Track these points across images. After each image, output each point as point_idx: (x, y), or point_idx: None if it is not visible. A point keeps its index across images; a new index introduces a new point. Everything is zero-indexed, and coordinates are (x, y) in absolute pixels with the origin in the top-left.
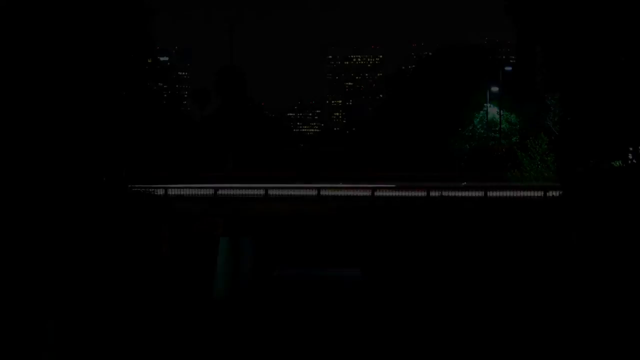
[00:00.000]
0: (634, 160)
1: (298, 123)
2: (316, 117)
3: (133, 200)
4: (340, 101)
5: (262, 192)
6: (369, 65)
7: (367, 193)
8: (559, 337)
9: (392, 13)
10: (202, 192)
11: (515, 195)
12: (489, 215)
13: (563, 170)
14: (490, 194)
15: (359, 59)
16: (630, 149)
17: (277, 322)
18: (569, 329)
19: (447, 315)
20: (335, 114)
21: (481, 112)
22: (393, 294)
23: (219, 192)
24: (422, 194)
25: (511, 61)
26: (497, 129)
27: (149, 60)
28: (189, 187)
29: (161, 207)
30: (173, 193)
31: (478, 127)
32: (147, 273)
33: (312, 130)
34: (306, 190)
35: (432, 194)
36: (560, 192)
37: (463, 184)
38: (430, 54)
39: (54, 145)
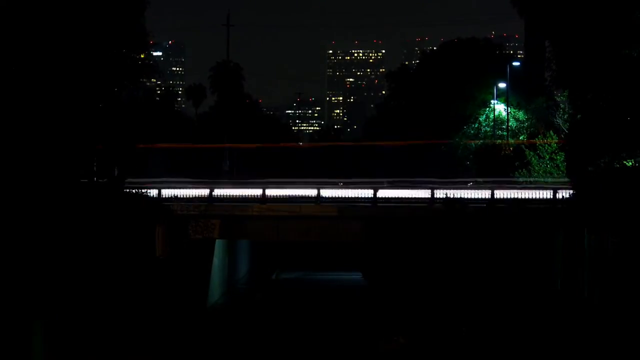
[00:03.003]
0: None
1: (297, 121)
2: (316, 115)
3: (125, 200)
4: (340, 98)
5: (259, 192)
6: (370, 61)
7: (370, 193)
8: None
9: (395, 6)
10: (197, 192)
11: (523, 195)
12: (495, 216)
13: (573, 170)
14: (497, 193)
15: (361, 54)
16: None
17: (275, 328)
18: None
19: (456, 325)
20: (335, 111)
21: (488, 109)
22: (397, 300)
23: (215, 192)
24: (427, 193)
25: (519, 56)
26: (504, 126)
27: (142, 56)
28: (184, 187)
29: (154, 208)
30: (167, 194)
31: (484, 124)
32: (140, 276)
33: (312, 128)
34: (305, 190)
35: (437, 193)
36: (570, 192)
37: (469, 183)
38: (434, 48)
39: (40, 143)
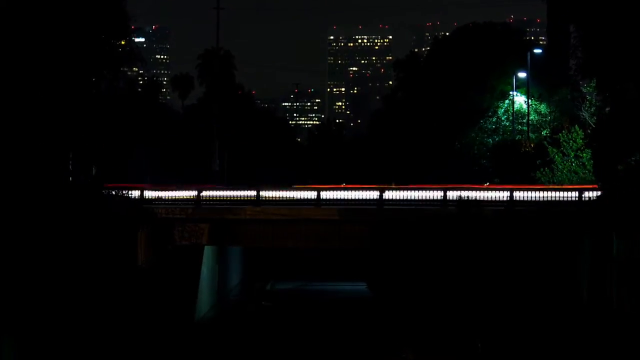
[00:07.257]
0: None
1: (295, 114)
2: (315, 108)
3: (104, 203)
4: (343, 89)
5: (253, 194)
6: (376, 48)
7: (375, 195)
8: None
9: None
10: (184, 193)
11: (545, 196)
12: (515, 219)
13: (601, 169)
14: (517, 195)
15: (365, 41)
16: None
17: (269, 345)
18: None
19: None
20: (337, 103)
21: (506, 101)
22: (405, 312)
23: (204, 193)
24: (439, 194)
25: (541, 43)
26: (524, 120)
27: (122, 42)
28: (169, 189)
29: (137, 211)
30: (151, 195)
31: (503, 118)
32: (120, 287)
33: (311, 122)
34: (304, 192)
35: (450, 194)
36: (598, 194)
37: (486, 183)
38: (447, 34)
39: (9, 139)
